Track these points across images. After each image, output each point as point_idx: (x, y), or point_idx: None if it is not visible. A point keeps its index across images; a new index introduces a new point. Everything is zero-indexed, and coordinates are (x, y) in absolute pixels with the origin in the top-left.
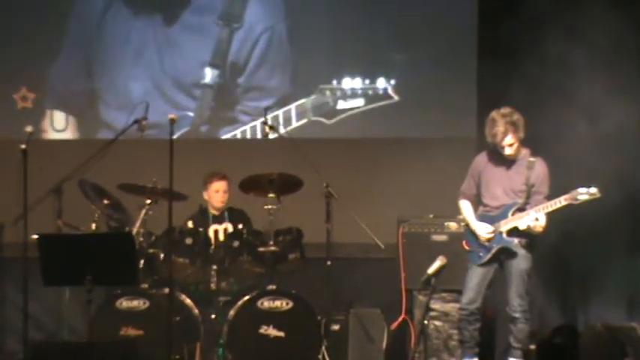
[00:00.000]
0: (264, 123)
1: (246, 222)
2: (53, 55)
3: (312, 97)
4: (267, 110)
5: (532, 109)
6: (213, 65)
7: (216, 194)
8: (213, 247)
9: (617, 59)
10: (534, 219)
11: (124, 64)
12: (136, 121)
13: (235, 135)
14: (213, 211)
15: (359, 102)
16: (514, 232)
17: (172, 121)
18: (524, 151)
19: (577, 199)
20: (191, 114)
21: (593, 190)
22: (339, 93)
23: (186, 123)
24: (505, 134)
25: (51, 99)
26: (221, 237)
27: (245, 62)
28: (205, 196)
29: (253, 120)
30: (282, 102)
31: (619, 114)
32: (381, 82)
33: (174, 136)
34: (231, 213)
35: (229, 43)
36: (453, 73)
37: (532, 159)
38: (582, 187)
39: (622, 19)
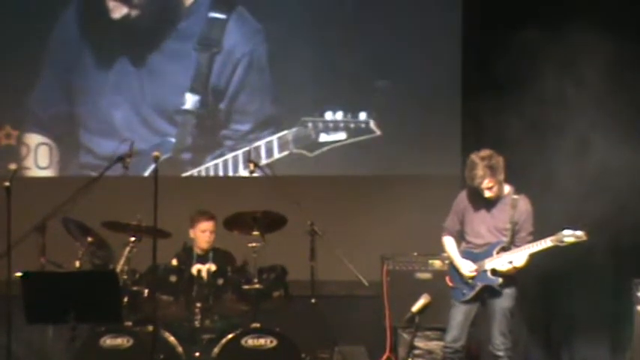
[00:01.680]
0: (249, 160)
1: (230, 263)
2: (33, 82)
3: (294, 129)
4: (250, 149)
5: (517, 146)
6: (193, 91)
7: (203, 234)
8: (197, 285)
9: (608, 96)
10: (508, 261)
11: (105, 90)
12: (120, 159)
13: (218, 163)
14: (198, 251)
15: (341, 135)
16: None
17: (156, 159)
18: (508, 189)
19: (563, 242)
20: (173, 140)
21: (580, 233)
22: (320, 125)
23: (168, 149)
24: (483, 178)
25: (31, 124)
26: (204, 277)
27: (225, 87)
28: (192, 234)
29: (236, 144)
30: (264, 126)
31: (608, 153)
32: (363, 116)
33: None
34: (216, 253)
35: (209, 68)
36: (437, 109)
37: (515, 197)
38: (569, 229)
39: (613, 55)
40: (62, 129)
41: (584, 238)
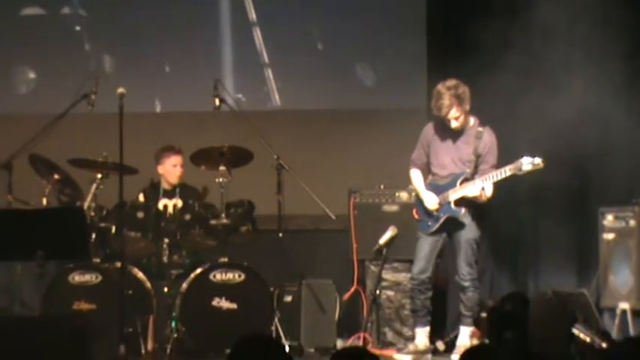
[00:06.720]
0: (215, 95)
1: (197, 199)
2: None
3: None
4: (217, 83)
5: (483, 79)
6: None
7: (174, 169)
8: (164, 221)
9: (579, 34)
10: (481, 188)
11: None
12: (85, 96)
13: None
14: (165, 186)
15: None
16: (462, 201)
17: (122, 95)
18: (473, 121)
19: (521, 170)
20: None
21: (537, 160)
22: None
23: None
24: (450, 107)
25: None
26: (170, 212)
27: None
28: (160, 170)
29: None
30: None
31: (576, 87)
32: None
33: None
34: (183, 189)
35: None
36: (402, 42)
37: (480, 129)
38: (527, 157)
39: None
40: None
41: (542, 165)
